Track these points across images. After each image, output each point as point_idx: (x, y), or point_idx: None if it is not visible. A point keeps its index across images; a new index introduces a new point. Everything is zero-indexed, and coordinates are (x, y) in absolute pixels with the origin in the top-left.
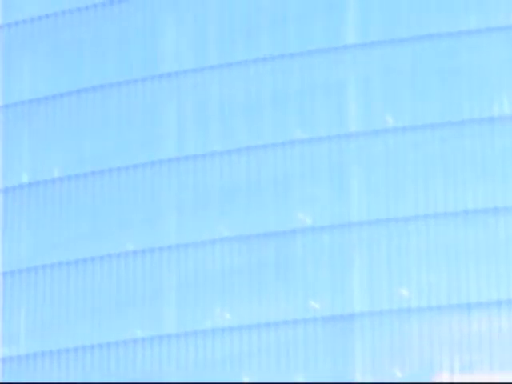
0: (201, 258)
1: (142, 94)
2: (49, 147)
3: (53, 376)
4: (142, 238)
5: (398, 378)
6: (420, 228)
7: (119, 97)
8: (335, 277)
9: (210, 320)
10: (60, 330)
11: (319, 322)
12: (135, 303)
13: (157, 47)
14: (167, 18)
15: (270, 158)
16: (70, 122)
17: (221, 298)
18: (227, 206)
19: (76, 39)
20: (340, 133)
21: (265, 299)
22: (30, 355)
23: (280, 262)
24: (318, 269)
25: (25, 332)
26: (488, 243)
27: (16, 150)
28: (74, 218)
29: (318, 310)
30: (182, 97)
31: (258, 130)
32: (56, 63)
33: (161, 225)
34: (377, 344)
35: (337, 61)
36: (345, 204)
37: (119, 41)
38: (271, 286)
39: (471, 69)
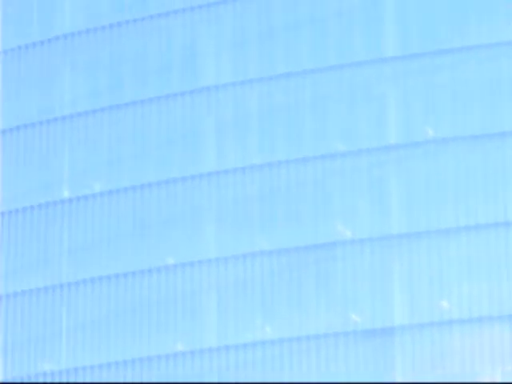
0: (241, 271)
1: (182, 108)
2: (89, 162)
3: None
4: (183, 252)
5: None
6: (460, 240)
7: (159, 111)
8: (375, 289)
9: (250, 333)
10: (95, 347)
11: (359, 335)
12: (176, 317)
13: (196, 61)
14: (206, 32)
15: (310, 170)
16: (109, 137)
17: (261, 311)
18: (267, 219)
19: (116, 54)
20: (380, 145)
21: (305, 312)
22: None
23: (320, 274)
24: (358, 281)
25: None
26: None
27: (57, 165)
28: (115, 232)
29: (358, 322)
30: (221, 110)
31: (298, 142)
32: (96, 78)
33: (201, 238)
34: (417, 356)
35: (377, 73)
36: (385, 216)
37: (159, 55)
38: (311, 298)
39: None
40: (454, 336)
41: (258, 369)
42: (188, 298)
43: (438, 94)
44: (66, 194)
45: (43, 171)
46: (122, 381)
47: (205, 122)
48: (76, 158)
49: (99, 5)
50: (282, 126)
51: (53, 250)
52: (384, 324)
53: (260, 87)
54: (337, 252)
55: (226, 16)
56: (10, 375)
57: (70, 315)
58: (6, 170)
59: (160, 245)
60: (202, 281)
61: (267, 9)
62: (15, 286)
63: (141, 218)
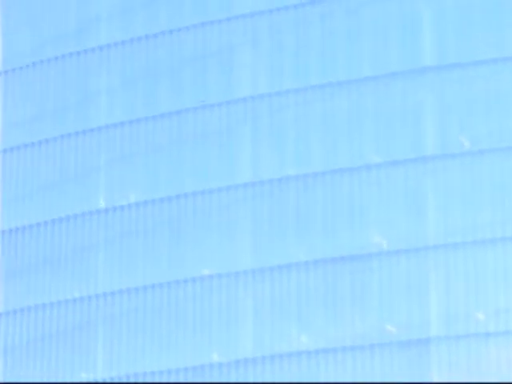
0: (277, 281)
1: (218, 119)
2: (125, 172)
3: None
4: (218, 263)
5: None
6: (497, 251)
7: (195, 121)
8: (411, 300)
9: (286, 343)
10: (131, 357)
11: (395, 346)
12: (211, 327)
13: (232, 72)
14: (243, 42)
15: (346, 182)
16: (146, 147)
17: (297, 322)
18: (303, 230)
19: (152, 64)
20: (416, 156)
21: (341, 323)
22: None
23: (356, 285)
24: (394, 292)
25: None
26: None
27: (93, 175)
28: (151, 242)
29: (394, 333)
30: (257, 121)
31: (334, 154)
32: (132, 89)
33: (236, 249)
34: (453, 368)
35: (413, 84)
36: (421, 227)
37: (195, 66)
38: (347, 309)
39: None
40: (490, 348)
41: (294, 379)
42: (224, 309)
43: (475, 104)
44: (102, 204)
45: (80, 181)
46: None
47: (241, 133)
48: (112, 169)
49: (135, 16)
50: (317, 137)
51: (88, 259)
52: (420, 335)
53: (296, 98)
54: (373, 263)
55: (262, 26)
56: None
57: (107, 326)
58: (42, 181)
59: (196, 255)
60: (237, 291)
61: (303, 20)
62: (58, 295)
63: (177, 228)
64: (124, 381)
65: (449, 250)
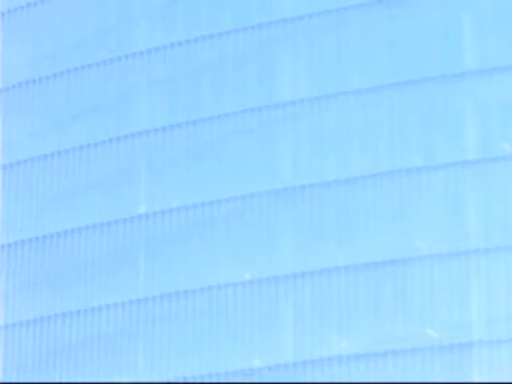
0: (317, 286)
1: (259, 123)
2: (166, 178)
3: None
4: (259, 268)
5: None
6: None
7: (235, 126)
8: (453, 304)
9: (327, 348)
10: (173, 362)
11: (437, 351)
12: (252, 332)
13: (273, 76)
14: (284, 46)
15: (387, 185)
16: (186, 152)
17: (338, 326)
18: (344, 235)
19: (192, 69)
20: (457, 160)
21: (382, 327)
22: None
23: (397, 289)
24: (435, 296)
25: None
26: None
27: (134, 181)
28: (191, 247)
29: (435, 338)
30: (297, 126)
31: (375, 158)
32: (173, 93)
33: (277, 254)
34: (495, 372)
35: (454, 88)
36: (462, 231)
37: (236, 71)
38: (388, 314)
39: None
40: None
41: None
42: (264, 314)
43: None
44: (142, 209)
45: (120, 186)
46: None
47: (281, 137)
48: (153, 174)
49: (175, 20)
50: (358, 141)
51: (129, 266)
52: (461, 339)
53: (336, 103)
54: (414, 267)
55: (302, 30)
56: None
57: (147, 331)
58: (82, 186)
59: (236, 260)
60: (278, 296)
61: (343, 24)
62: (99, 300)
63: (217, 233)
64: None
65: (490, 254)
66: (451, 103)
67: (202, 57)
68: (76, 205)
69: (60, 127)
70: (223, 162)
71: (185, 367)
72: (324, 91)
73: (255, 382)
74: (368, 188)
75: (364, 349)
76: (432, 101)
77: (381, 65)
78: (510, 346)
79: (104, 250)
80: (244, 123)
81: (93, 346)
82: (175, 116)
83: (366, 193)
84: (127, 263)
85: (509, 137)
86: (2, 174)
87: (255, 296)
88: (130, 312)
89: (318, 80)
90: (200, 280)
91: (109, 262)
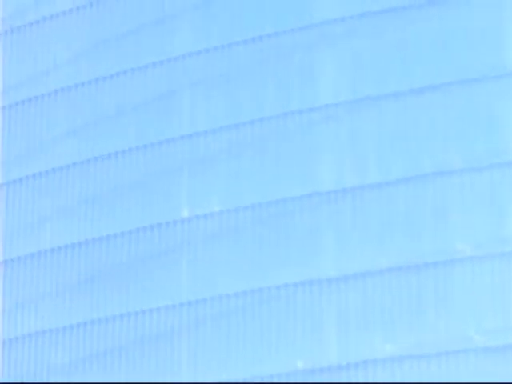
0: (360, 289)
1: (300, 128)
2: (208, 181)
3: None
4: (302, 270)
5: None
6: None
7: (277, 129)
8: (496, 306)
9: (370, 351)
10: (215, 366)
11: (480, 353)
12: (295, 335)
13: (313, 79)
14: (324, 51)
15: (429, 187)
16: (229, 155)
17: (381, 329)
18: (386, 237)
19: (233, 71)
20: (500, 161)
21: (425, 330)
22: None
23: (439, 292)
24: (478, 299)
25: None
26: None
27: (176, 184)
28: (234, 250)
29: (479, 340)
30: (338, 128)
31: (416, 160)
32: (214, 97)
33: (320, 257)
34: None
35: (496, 89)
36: (505, 233)
37: (277, 73)
38: (431, 316)
39: None
40: None
41: None
42: (308, 316)
43: None
44: (185, 213)
45: (162, 190)
46: None
47: (322, 141)
48: (195, 177)
49: (215, 24)
50: (398, 145)
51: (172, 269)
52: (505, 341)
53: (378, 105)
54: (456, 269)
55: (342, 33)
56: None
57: (191, 334)
58: (125, 191)
59: (279, 263)
60: (321, 299)
61: (383, 27)
62: (142, 304)
63: (260, 236)
64: None
65: None
66: (493, 104)
67: (242, 59)
68: (117, 209)
69: (94, 131)
70: (265, 164)
71: (228, 370)
72: (365, 93)
73: (298, 383)
74: (410, 190)
75: (408, 351)
76: (473, 102)
77: (422, 67)
78: None
79: (147, 254)
80: (285, 126)
81: (135, 351)
82: (217, 119)
83: (408, 195)
84: (170, 267)
85: None
86: (30, 182)
87: (298, 298)
88: (172, 316)
89: (359, 82)
90: (243, 283)
91: (151, 266)
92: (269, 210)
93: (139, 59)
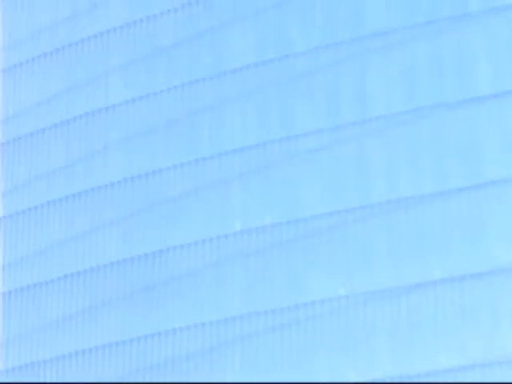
0: (414, 300)
1: (352, 138)
2: (260, 195)
3: None
4: (355, 282)
5: None
6: None
7: (329, 141)
8: None
9: (423, 363)
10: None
11: None
12: (348, 347)
13: (365, 90)
14: (375, 59)
15: (482, 197)
16: (281, 169)
17: (434, 340)
18: (440, 248)
19: (285, 82)
20: None
21: (479, 340)
22: None
23: (493, 301)
24: None
25: None
26: None
27: (229, 197)
28: (287, 263)
29: None
30: (391, 139)
31: (476, 169)
32: (267, 108)
33: (373, 268)
34: None
35: None
36: None
37: (330, 84)
38: (485, 325)
39: None
40: None
41: None
42: (360, 328)
43: None
44: (237, 226)
45: (215, 204)
46: None
47: (375, 152)
48: (247, 191)
49: (266, 36)
50: (457, 155)
51: (225, 283)
52: None
53: (431, 115)
54: (510, 279)
55: (395, 45)
56: None
57: (244, 347)
58: (178, 204)
59: (332, 275)
60: (374, 310)
61: (437, 37)
62: (194, 317)
63: (312, 248)
64: None
65: None
66: None
67: (294, 71)
68: (169, 223)
69: (145, 145)
70: (317, 177)
71: (280, 381)
72: (418, 104)
73: None
74: (464, 201)
75: (462, 362)
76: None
77: (477, 76)
78: None
79: (199, 268)
80: (338, 137)
81: (189, 364)
82: (268, 132)
83: (462, 205)
84: (223, 280)
85: None
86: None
87: (350, 311)
88: (225, 329)
89: (412, 93)
90: (296, 296)
91: (203, 280)
92: (321, 222)
93: (191, 73)
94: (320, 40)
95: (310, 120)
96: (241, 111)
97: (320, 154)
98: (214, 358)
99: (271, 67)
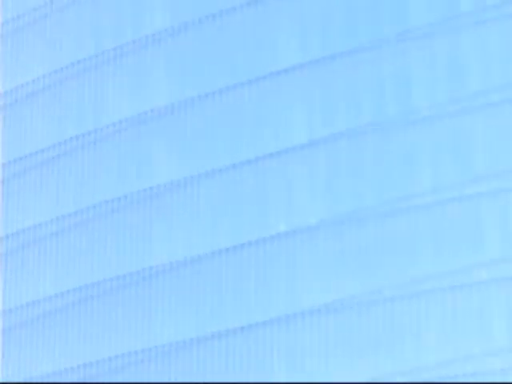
0: (459, 299)
1: (397, 141)
2: (306, 195)
3: None
4: (398, 284)
5: None
6: None
7: (374, 141)
8: None
9: (471, 363)
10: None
11: None
12: (394, 342)
13: (411, 93)
14: (419, 60)
15: None
16: (327, 170)
17: (478, 340)
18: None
19: (328, 87)
20: None
21: None
22: None
23: None
24: None
25: None
26: None
27: (274, 199)
28: (328, 263)
29: None
30: (437, 140)
31: None
32: (310, 112)
33: (418, 269)
34: None
35: None
36: None
37: (372, 85)
38: None
39: None
40: None
41: None
42: (408, 327)
43: None
44: (282, 227)
45: (258, 206)
46: None
47: (420, 154)
48: (292, 193)
49: (312, 39)
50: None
51: (269, 284)
52: None
53: (480, 112)
54: None
55: (440, 44)
56: None
57: (289, 352)
58: (216, 211)
59: (371, 274)
60: (419, 310)
61: (484, 36)
62: (239, 320)
63: (357, 249)
64: None
65: None
66: None
67: (337, 75)
68: (218, 227)
69: (199, 149)
70: (363, 178)
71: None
72: (465, 103)
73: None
74: None
75: (508, 363)
76: None
77: None
78: None
79: (245, 273)
80: (383, 138)
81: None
82: (313, 134)
83: None
84: (267, 283)
85: None
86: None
87: (396, 312)
88: (271, 331)
89: (458, 89)
90: (338, 294)
91: (249, 283)
92: (366, 224)
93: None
94: (363, 41)
95: (352, 119)
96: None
97: (361, 151)
98: (259, 360)
99: (315, 70)
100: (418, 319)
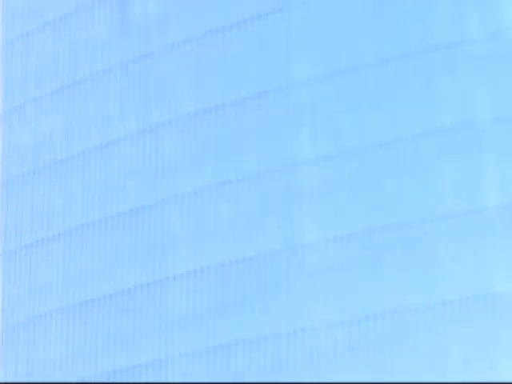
0: (484, 313)
1: (455, 141)
2: (330, 206)
3: None
4: (432, 292)
5: None
6: None
7: (398, 152)
8: None
9: (494, 373)
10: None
11: None
12: (420, 356)
13: (434, 98)
14: (442, 70)
15: None
16: (350, 180)
17: (505, 352)
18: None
19: (355, 97)
20: None
21: None
22: None
23: None
24: None
25: None
26: None
27: (298, 207)
28: (361, 274)
29: None
30: (503, 142)
31: None
32: (336, 121)
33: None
34: None
35: None
36: None
37: (397, 93)
38: None
39: None
40: None
41: None
42: (431, 339)
43: None
44: (307, 238)
45: (284, 215)
46: None
47: (486, 154)
48: (318, 200)
49: (337, 49)
50: None
51: (291, 293)
52: None
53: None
54: None
55: (459, 57)
56: None
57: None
58: (248, 217)
59: (411, 285)
60: (444, 324)
61: (507, 50)
62: (246, 331)
63: (394, 260)
64: None
65: None
66: None
67: (365, 84)
68: (240, 235)
69: (216, 157)
70: (405, 184)
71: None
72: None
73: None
74: None
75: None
76: None
77: None
78: None
79: (276, 280)
80: (440, 141)
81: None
82: (338, 144)
83: None
84: (289, 291)
85: None
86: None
87: (429, 321)
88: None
89: (501, 101)
90: (377, 306)
91: (280, 292)
92: (408, 229)
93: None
94: (388, 53)
95: (385, 131)
96: (310, 125)
97: (389, 167)
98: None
99: (340, 80)
100: None
